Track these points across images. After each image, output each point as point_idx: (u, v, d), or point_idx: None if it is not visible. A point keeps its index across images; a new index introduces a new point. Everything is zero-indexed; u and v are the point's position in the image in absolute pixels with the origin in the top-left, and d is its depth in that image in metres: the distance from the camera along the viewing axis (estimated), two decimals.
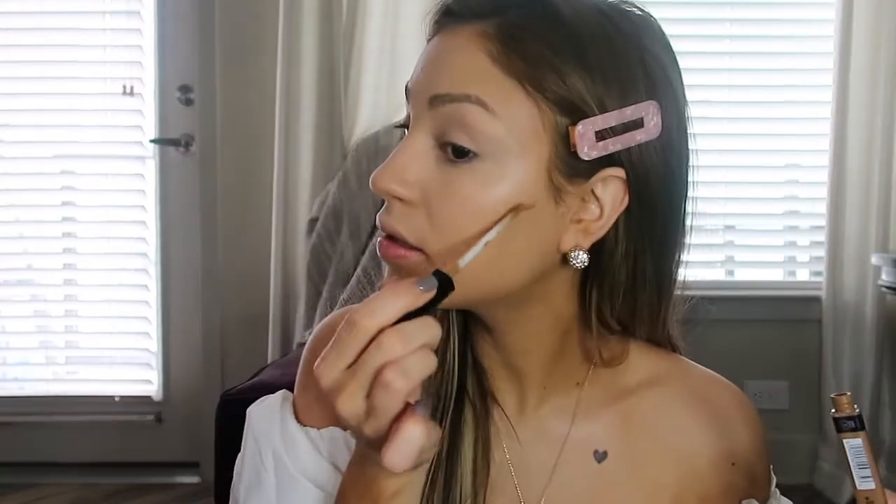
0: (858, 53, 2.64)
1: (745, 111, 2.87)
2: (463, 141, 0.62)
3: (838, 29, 2.66)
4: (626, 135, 0.62)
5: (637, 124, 0.62)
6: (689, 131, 0.69)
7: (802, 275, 2.97)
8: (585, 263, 0.64)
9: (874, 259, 2.57)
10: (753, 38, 2.87)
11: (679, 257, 0.71)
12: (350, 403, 0.55)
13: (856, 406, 0.62)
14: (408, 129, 0.66)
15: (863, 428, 0.61)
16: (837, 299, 2.73)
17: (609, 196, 0.64)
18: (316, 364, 0.56)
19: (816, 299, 2.78)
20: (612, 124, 0.62)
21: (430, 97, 0.63)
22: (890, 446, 2.75)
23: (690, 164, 0.69)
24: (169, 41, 2.83)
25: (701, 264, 2.91)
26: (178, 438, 2.91)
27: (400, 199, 0.64)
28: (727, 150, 2.87)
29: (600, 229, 0.64)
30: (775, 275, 3.00)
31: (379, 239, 0.66)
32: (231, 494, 0.79)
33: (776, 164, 2.92)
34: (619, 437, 0.73)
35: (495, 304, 0.67)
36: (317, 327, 0.80)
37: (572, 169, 0.62)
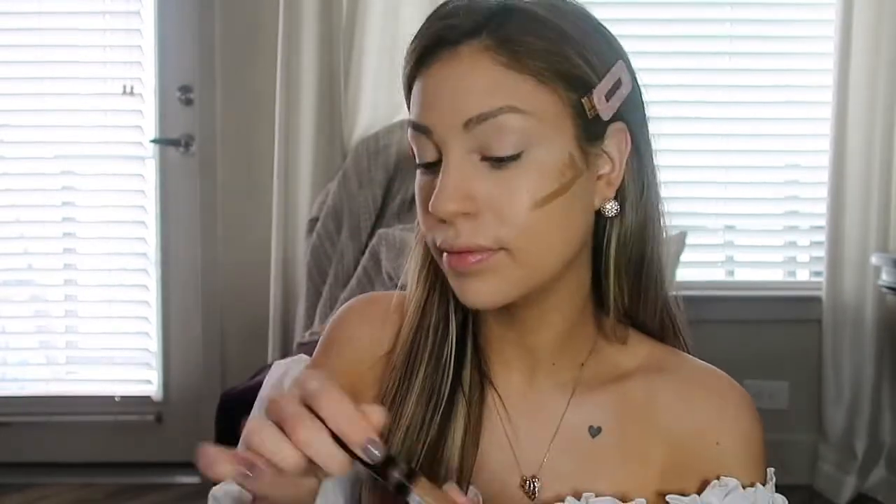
0: (858, 53, 2.64)
1: (745, 111, 2.87)
2: (507, 149, 0.68)
3: (838, 29, 2.66)
4: (618, 92, 0.72)
5: (619, 83, 0.72)
6: (636, 76, 0.76)
7: (802, 275, 2.97)
8: (617, 210, 0.73)
9: (874, 259, 2.57)
10: (753, 38, 2.87)
11: (659, 178, 0.78)
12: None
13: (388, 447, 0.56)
14: (427, 162, 0.71)
15: (411, 476, 0.56)
16: (837, 299, 2.73)
17: (615, 148, 0.73)
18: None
19: (816, 299, 2.78)
20: (610, 87, 0.71)
21: (464, 122, 0.68)
22: (890, 447, 2.75)
23: (646, 106, 0.77)
24: (169, 41, 2.83)
25: (701, 264, 2.91)
26: (178, 438, 2.90)
27: (465, 214, 0.69)
28: (727, 151, 2.87)
29: (617, 178, 0.73)
30: (775, 275, 3.00)
31: (446, 257, 0.70)
32: None
33: (776, 164, 2.92)
34: (613, 415, 0.77)
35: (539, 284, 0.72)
36: (340, 314, 0.84)
37: (591, 134, 0.71)
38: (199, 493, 2.76)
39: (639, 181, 0.74)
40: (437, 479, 0.71)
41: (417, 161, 0.72)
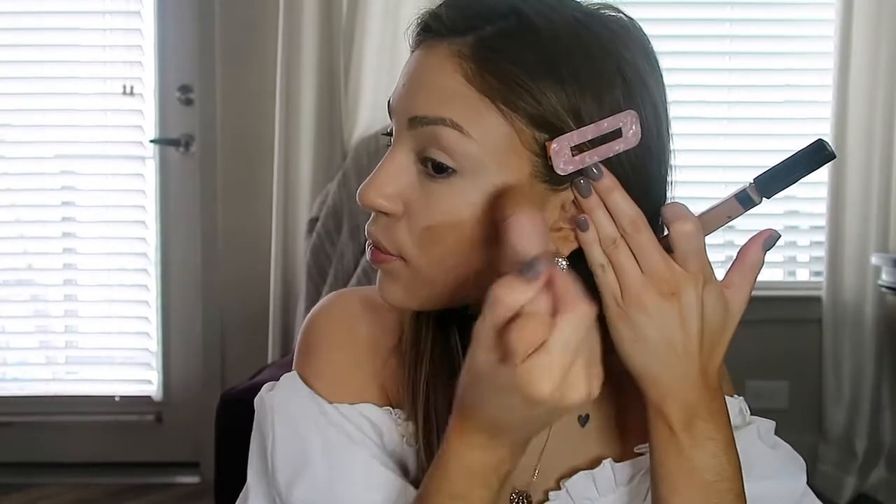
0: (858, 53, 2.64)
1: (744, 111, 2.87)
2: (441, 158, 0.64)
3: (838, 29, 2.66)
4: (605, 146, 0.63)
5: (616, 134, 0.63)
6: (669, 134, 0.69)
7: (802, 275, 2.97)
8: (566, 266, 0.66)
9: (874, 259, 2.57)
10: (753, 38, 2.87)
11: None
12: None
13: None
14: (389, 134, 0.70)
15: None
16: (837, 299, 2.73)
17: None
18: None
19: (816, 299, 2.78)
20: (589, 137, 0.63)
21: (408, 119, 0.66)
22: (890, 447, 2.74)
23: (670, 166, 0.69)
24: (169, 41, 2.83)
25: None
26: (178, 438, 2.91)
27: (384, 213, 0.67)
28: (727, 151, 2.87)
29: (574, 240, 0.66)
30: (775, 275, 3.00)
31: (369, 246, 0.70)
32: (247, 492, 0.78)
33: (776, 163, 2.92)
34: (597, 401, 0.75)
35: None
36: (312, 318, 0.80)
37: (554, 178, 0.64)
38: (200, 493, 2.77)
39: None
40: None
41: (386, 132, 0.71)
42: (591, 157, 0.62)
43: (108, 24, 2.88)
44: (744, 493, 0.68)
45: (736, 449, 0.68)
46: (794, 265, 3.01)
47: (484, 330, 0.56)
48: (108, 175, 2.90)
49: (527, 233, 0.56)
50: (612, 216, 0.63)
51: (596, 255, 0.64)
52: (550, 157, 0.62)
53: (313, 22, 2.59)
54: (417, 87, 0.66)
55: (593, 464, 0.75)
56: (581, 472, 0.74)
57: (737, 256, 0.67)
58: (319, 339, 0.78)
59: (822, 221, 2.74)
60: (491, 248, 0.64)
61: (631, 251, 0.63)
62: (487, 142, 0.63)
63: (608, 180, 0.63)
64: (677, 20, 2.83)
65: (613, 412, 0.77)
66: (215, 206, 2.83)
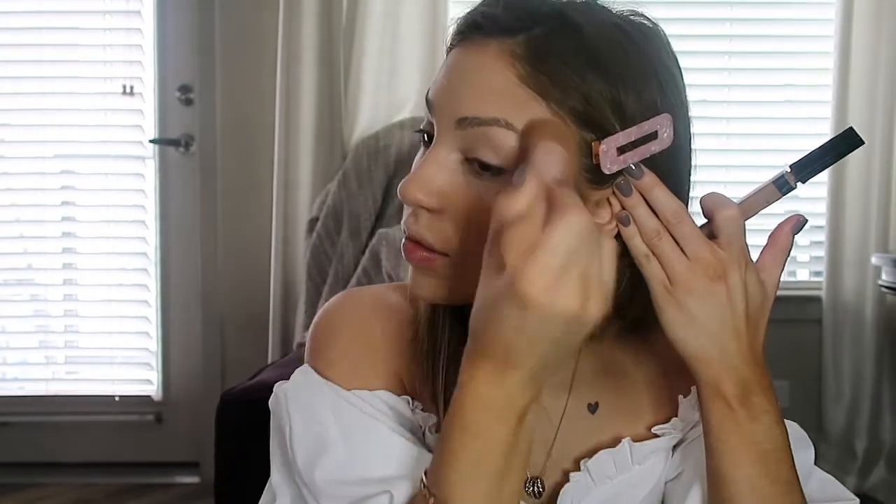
0: (858, 53, 2.64)
1: (744, 111, 2.87)
2: (491, 158, 0.65)
3: (838, 29, 2.66)
4: (643, 147, 0.66)
5: (652, 136, 0.66)
6: (692, 135, 0.74)
7: (802, 275, 2.97)
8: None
9: (874, 259, 2.57)
10: (753, 38, 2.87)
11: None
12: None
13: None
14: (426, 136, 0.70)
15: None
16: (837, 299, 2.73)
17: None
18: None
19: (816, 299, 2.78)
20: (632, 139, 0.65)
21: (458, 119, 0.66)
22: (890, 447, 2.74)
23: (693, 165, 0.74)
24: (169, 41, 2.83)
25: None
26: (178, 438, 2.91)
27: (427, 209, 0.68)
28: (727, 150, 2.87)
29: (611, 232, 0.68)
30: None
31: (403, 242, 0.70)
32: (271, 488, 0.78)
33: (776, 163, 2.91)
34: (605, 387, 0.79)
35: None
36: (323, 315, 0.80)
37: (595, 177, 0.67)
38: (200, 493, 2.77)
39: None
40: None
41: (421, 126, 0.72)
42: (632, 157, 0.65)
43: (108, 23, 2.88)
44: (794, 462, 0.71)
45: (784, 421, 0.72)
46: (794, 265, 3.01)
47: (486, 248, 0.58)
48: (108, 175, 2.90)
49: (552, 158, 0.58)
50: (654, 210, 0.67)
51: (639, 247, 0.67)
52: (597, 157, 0.65)
53: (313, 22, 2.59)
54: (465, 86, 0.67)
55: (611, 445, 0.78)
56: (603, 451, 0.77)
57: (768, 240, 0.73)
58: (332, 332, 0.78)
59: (822, 221, 2.74)
60: None
61: (674, 240, 0.67)
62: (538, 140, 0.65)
63: (649, 178, 0.67)
64: (677, 20, 2.84)
65: (619, 397, 0.79)
66: (215, 206, 2.83)
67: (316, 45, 2.60)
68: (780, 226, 0.72)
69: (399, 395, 0.76)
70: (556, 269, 0.55)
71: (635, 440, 0.78)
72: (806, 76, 2.86)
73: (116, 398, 2.92)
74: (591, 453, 0.77)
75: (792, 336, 2.84)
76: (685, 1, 2.90)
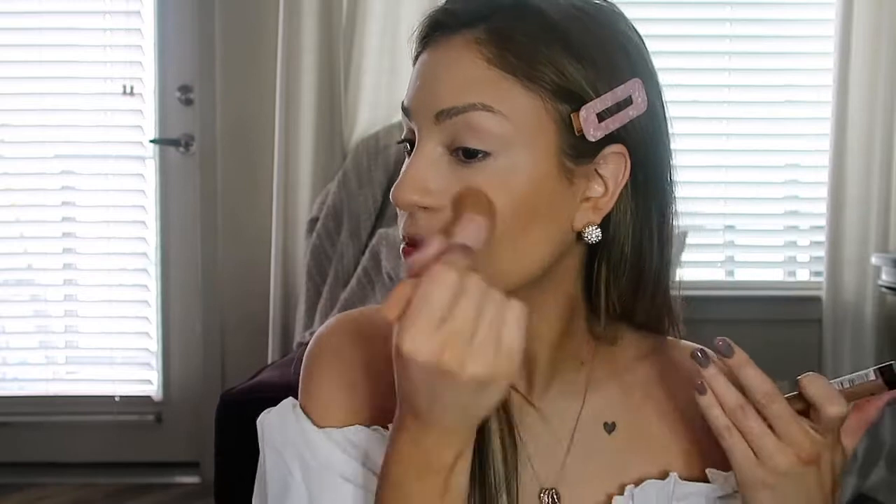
0: (858, 53, 2.64)
1: (744, 111, 2.87)
2: (474, 143, 0.66)
3: (838, 29, 2.66)
4: (621, 113, 0.67)
5: (627, 102, 0.67)
6: (665, 101, 0.73)
7: (802, 275, 2.97)
8: (599, 237, 0.69)
9: (874, 259, 2.57)
10: (753, 38, 2.87)
11: (674, 216, 0.74)
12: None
13: None
14: (410, 144, 0.70)
15: None
16: (837, 299, 2.73)
17: (611, 172, 0.68)
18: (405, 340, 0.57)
19: (816, 299, 2.78)
20: (609, 105, 0.67)
21: (435, 113, 0.67)
22: (890, 447, 2.74)
23: (670, 130, 0.73)
24: (169, 41, 2.83)
25: (701, 264, 2.91)
26: (178, 438, 2.91)
27: (424, 208, 0.68)
28: (727, 150, 2.87)
29: (607, 204, 0.69)
30: (775, 275, 3.00)
31: (402, 246, 0.70)
32: None
33: (776, 164, 2.92)
34: (622, 407, 0.77)
35: (514, 292, 0.68)
36: (313, 341, 0.80)
37: (578, 151, 0.67)
38: (200, 493, 2.77)
39: (638, 211, 0.70)
40: (484, 477, 0.71)
41: (403, 136, 0.72)
42: (612, 123, 0.67)
43: (108, 24, 2.88)
44: None
45: None
46: (794, 265, 3.01)
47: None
48: (108, 175, 2.90)
49: (471, 227, 0.61)
50: (743, 388, 0.68)
51: (719, 418, 0.68)
52: (579, 126, 0.66)
53: (313, 22, 2.59)
54: (438, 82, 0.68)
55: (627, 473, 0.76)
56: (649, 481, 0.75)
57: (857, 406, 0.72)
58: (314, 363, 0.78)
59: (822, 221, 2.74)
60: (521, 232, 0.67)
61: (759, 414, 0.67)
62: (517, 118, 0.66)
63: (740, 356, 0.68)
64: (677, 20, 2.83)
65: (643, 420, 0.77)
66: (215, 207, 2.83)
67: (316, 45, 2.60)
68: (875, 399, 0.72)
69: (373, 427, 0.75)
70: (427, 323, 0.56)
71: (652, 476, 0.76)
72: (806, 76, 2.86)
73: (116, 398, 2.91)
74: (608, 475, 0.76)
75: (792, 336, 2.84)
76: (685, 1, 2.90)
